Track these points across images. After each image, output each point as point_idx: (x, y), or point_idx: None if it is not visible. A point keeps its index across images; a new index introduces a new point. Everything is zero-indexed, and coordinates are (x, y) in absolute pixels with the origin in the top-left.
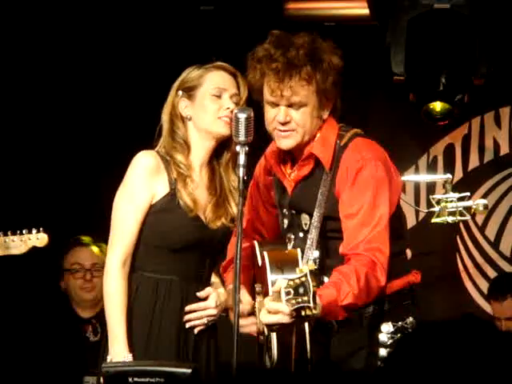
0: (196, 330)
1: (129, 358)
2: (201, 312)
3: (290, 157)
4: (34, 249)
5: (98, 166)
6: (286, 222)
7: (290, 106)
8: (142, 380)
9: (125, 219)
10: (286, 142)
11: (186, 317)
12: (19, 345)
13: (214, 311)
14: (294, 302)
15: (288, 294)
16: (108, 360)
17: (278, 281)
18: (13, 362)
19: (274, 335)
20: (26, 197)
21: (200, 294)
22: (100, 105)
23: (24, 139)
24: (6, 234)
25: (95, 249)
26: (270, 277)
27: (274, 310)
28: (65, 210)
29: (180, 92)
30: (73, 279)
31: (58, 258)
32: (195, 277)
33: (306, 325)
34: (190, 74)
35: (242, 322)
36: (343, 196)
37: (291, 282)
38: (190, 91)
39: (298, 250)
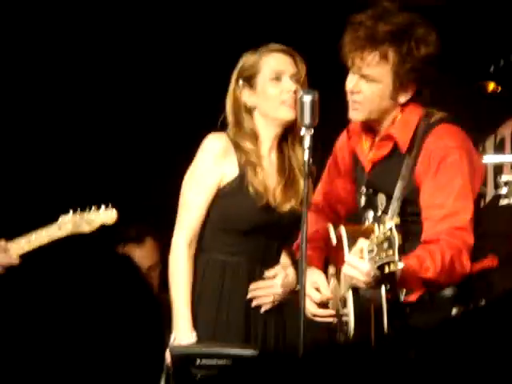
0: (263, 309)
1: (193, 337)
2: (267, 290)
3: (371, 135)
4: (103, 226)
5: (167, 150)
6: (362, 200)
7: (363, 76)
8: (210, 362)
9: (193, 201)
10: (353, 113)
11: (252, 293)
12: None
13: (279, 289)
14: (377, 258)
15: (371, 251)
16: (172, 338)
17: (360, 241)
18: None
19: (351, 312)
20: (94, 179)
21: (268, 274)
22: (171, 89)
23: (93, 121)
24: (75, 212)
25: (151, 246)
26: (348, 249)
27: (354, 265)
28: (132, 193)
29: (240, 82)
30: None
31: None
32: (262, 260)
33: (384, 299)
34: (247, 61)
35: (319, 311)
36: (426, 185)
37: (375, 239)
38: (249, 80)
39: (376, 225)
